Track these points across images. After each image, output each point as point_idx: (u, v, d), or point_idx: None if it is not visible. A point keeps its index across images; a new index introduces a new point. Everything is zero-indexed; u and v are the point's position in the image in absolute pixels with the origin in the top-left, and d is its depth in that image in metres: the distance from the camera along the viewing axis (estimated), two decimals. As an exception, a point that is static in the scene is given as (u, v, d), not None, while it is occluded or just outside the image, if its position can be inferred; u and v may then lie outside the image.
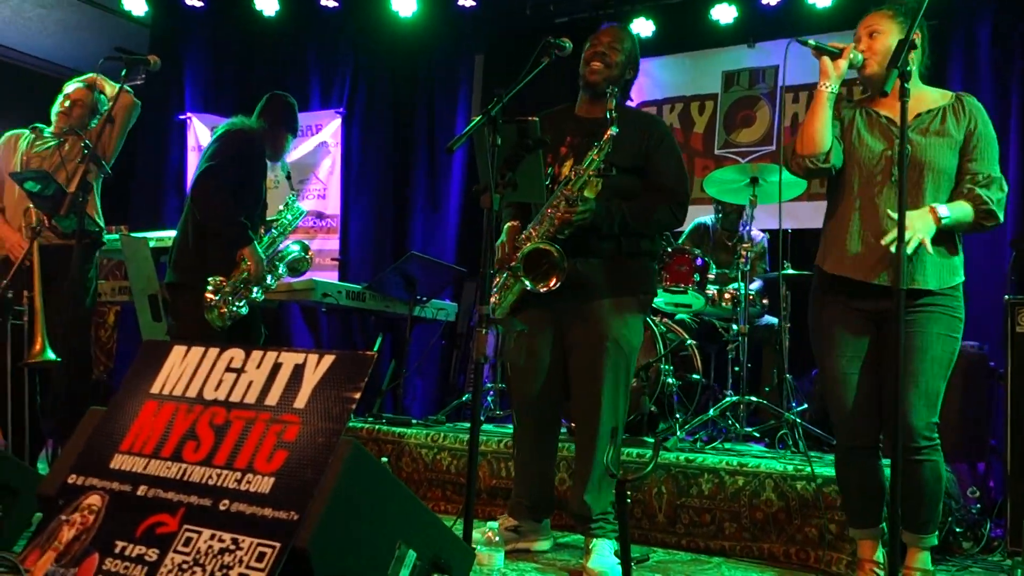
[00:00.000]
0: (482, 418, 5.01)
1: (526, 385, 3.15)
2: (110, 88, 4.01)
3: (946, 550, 3.63)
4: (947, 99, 2.68)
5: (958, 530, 3.73)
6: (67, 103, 4.09)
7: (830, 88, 2.64)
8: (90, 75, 4.13)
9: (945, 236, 2.60)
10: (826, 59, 2.64)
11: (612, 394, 2.99)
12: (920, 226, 2.47)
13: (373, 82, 6.98)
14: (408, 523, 2.00)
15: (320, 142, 6.82)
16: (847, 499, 2.85)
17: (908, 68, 2.26)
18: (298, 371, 2.03)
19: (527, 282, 2.90)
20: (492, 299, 2.97)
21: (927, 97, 2.69)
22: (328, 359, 2.02)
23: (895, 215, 2.34)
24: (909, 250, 2.39)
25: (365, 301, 5.17)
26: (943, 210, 2.53)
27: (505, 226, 3.15)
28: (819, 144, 2.63)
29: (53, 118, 4.11)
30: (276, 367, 2.06)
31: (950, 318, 2.61)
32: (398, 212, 6.84)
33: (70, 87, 4.14)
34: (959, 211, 2.57)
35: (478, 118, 2.50)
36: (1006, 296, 3.88)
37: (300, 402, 1.98)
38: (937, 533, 2.72)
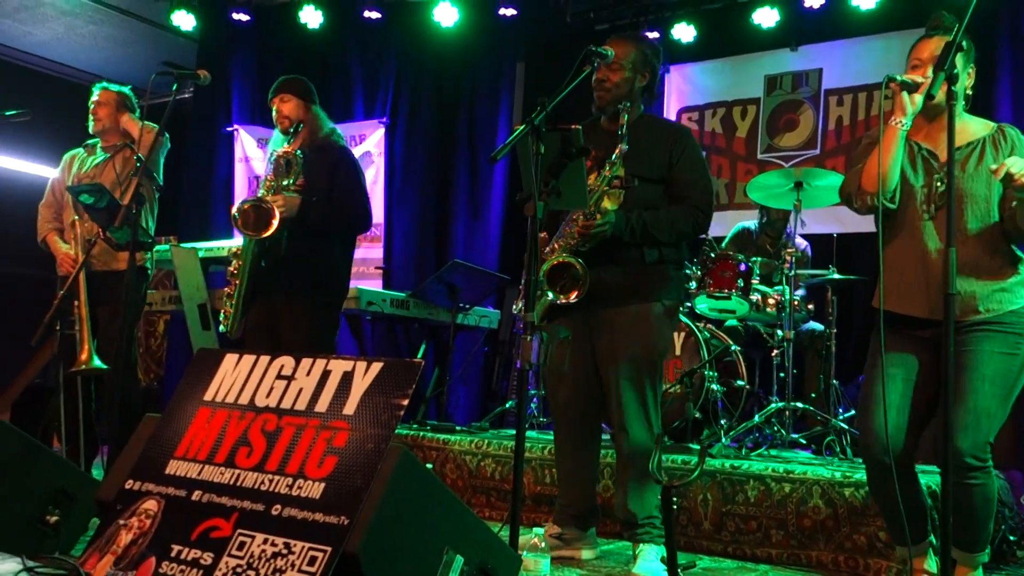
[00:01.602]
0: (526, 425, 5.06)
1: (561, 393, 3.21)
2: (135, 127, 4.12)
3: (999, 558, 3.56)
4: (989, 130, 2.64)
5: (1012, 538, 3.66)
6: (92, 106, 4.25)
7: (904, 124, 2.57)
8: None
9: (996, 259, 2.57)
10: (903, 94, 2.56)
11: (638, 401, 3.03)
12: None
13: (416, 92, 7.06)
14: (455, 529, 2.02)
15: (364, 152, 6.90)
16: (889, 518, 2.80)
17: (955, 71, 2.23)
18: (347, 378, 2.06)
19: (551, 294, 2.95)
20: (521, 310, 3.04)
21: (969, 128, 2.65)
22: (376, 366, 2.05)
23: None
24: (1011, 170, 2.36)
25: (409, 309, 5.22)
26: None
27: None
28: (889, 182, 2.57)
29: (89, 128, 4.26)
30: (325, 374, 2.10)
31: (1009, 336, 2.56)
32: (440, 220, 6.89)
33: (93, 95, 4.28)
34: None
35: (521, 127, 2.53)
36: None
37: (349, 409, 2.01)
38: (988, 550, 2.67)
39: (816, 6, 5.87)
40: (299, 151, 3.73)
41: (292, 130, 3.77)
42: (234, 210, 3.60)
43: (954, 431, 2.47)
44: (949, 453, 2.28)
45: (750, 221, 5.29)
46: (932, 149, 2.66)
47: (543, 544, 2.67)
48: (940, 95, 2.39)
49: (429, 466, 4.12)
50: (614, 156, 2.98)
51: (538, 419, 5.13)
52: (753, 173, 5.51)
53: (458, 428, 4.76)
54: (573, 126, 2.65)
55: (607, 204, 3.01)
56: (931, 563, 2.73)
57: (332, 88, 7.20)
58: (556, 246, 3.05)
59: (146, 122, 4.09)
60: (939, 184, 2.60)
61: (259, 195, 3.67)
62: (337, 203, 3.75)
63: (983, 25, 5.27)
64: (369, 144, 6.91)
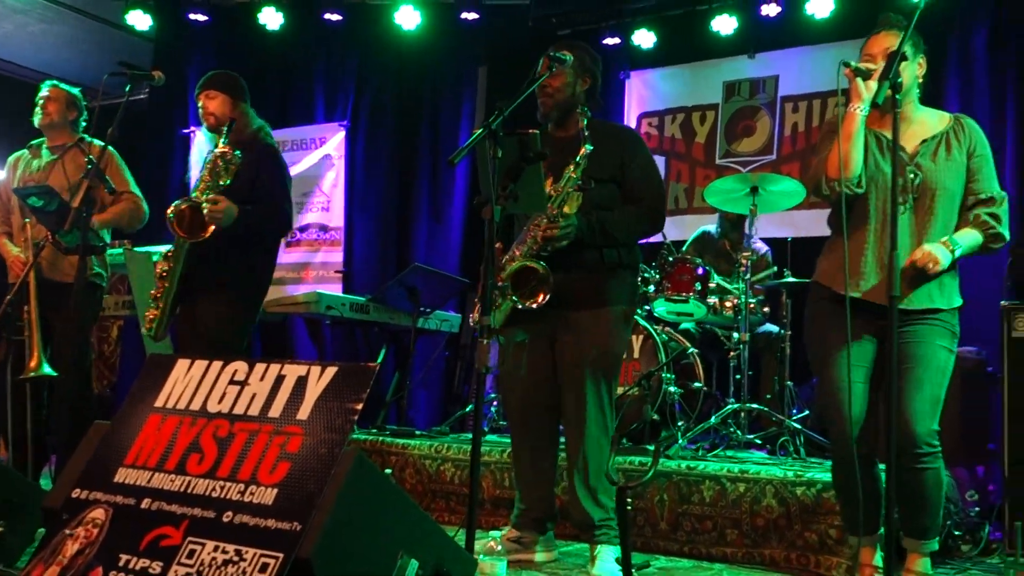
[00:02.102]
0: (485, 428, 5.07)
1: (517, 396, 3.22)
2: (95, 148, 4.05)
3: (945, 553, 3.64)
4: (947, 123, 2.74)
5: (957, 533, 3.74)
6: (40, 101, 4.18)
7: (862, 109, 2.63)
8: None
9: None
10: (859, 80, 2.63)
11: (596, 402, 3.06)
12: (939, 255, 2.59)
13: (377, 95, 7.03)
14: (410, 533, 2.02)
15: (324, 155, 6.87)
16: (844, 506, 2.87)
17: (899, 80, 2.29)
18: (301, 383, 2.06)
19: (516, 300, 2.95)
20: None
21: (929, 122, 2.75)
22: (331, 371, 2.05)
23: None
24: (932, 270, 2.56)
25: (369, 313, 5.21)
26: (956, 248, 2.63)
27: None
28: (854, 167, 2.63)
29: (36, 123, 4.18)
30: (279, 379, 2.09)
31: (950, 333, 2.70)
32: (401, 224, 6.88)
33: (42, 90, 4.22)
34: (970, 240, 2.66)
35: (479, 131, 2.54)
36: (1003, 302, 3.91)
37: (303, 414, 2.01)
38: (938, 539, 2.74)
39: (773, 15, 5.95)
40: (238, 151, 3.61)
41: (226, 128, 3.64)
42: (169, 211, 3.47)
43: (911, 418, 2.55)
44: (903, 439, 2.35)
45: (710, 225, 5.35)
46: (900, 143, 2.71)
47: (500, 547, 2.68)
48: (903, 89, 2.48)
49: (388, 471, 4.13)
50: (579, 157, 3.00)
51: (498, 422, 5.14)
52: (712, 178, 5.57)
53: (418, 432, 4.76)
54: (531, 131, 2.66)
55: (567, 208, 3.03)
56: (878, 558, 2.78)
57: (292, 90, 7.15)
58: (517, 252, 3.06)
59: (94, 140, 4.04)
60: (912, 176, 2.67)
61: (194, 196, 3.53)
62: (260, 207, 3.64)
63: (934, 23, 5.39)
64: (330, 147, 6.88)
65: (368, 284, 6.30)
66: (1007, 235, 2.70)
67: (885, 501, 2.62)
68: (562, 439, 3.35)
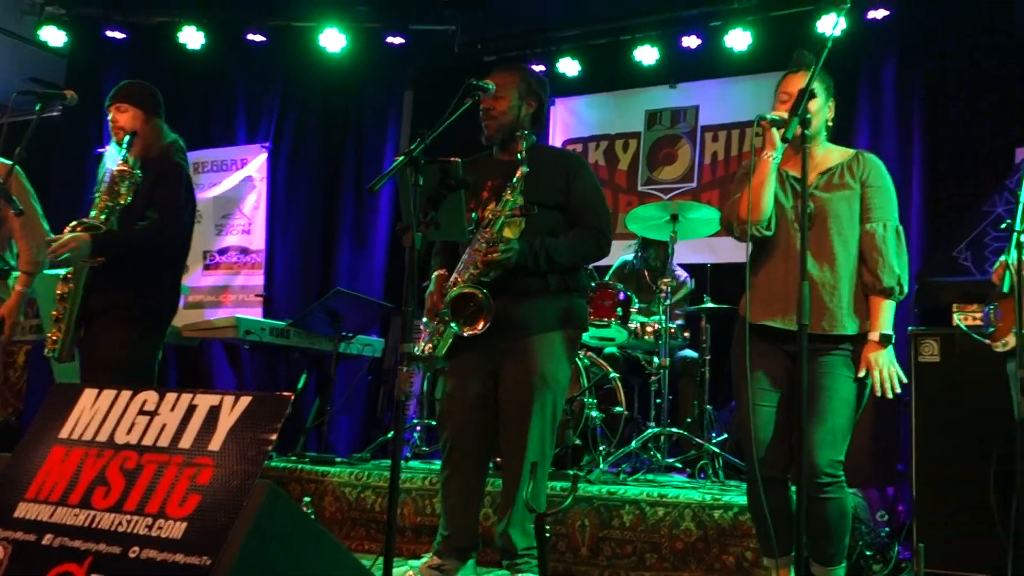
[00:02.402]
0: (408, 455, 5.03)
1: (456, 425, 3.15)
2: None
3: (856, 573, 3.74)
4: (848, 157, 2.84)
5: (868, 553, 3.84)
6: None
7: (774, 157, 2.73)
8: None
9: (858, 283, 2.74)
10: (773, 130, 2.72)
11: (539, 431, 3.03)
12: (886, 361, 2.70)
13: (301, 117, 6.97)
14: (325, 564, 1.99)
15: (245, 176, 6.76)
16: (759, 529, 2.93)
17: (808, 116, 2.37)
18: (213, 413, 2.01)
19: (455, 327, 2.92)
20: (426, 347, 3.00)
21: (831, 156, 2.85)
22: (244, 400, 2.01)
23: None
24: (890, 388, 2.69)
25: (289, 338, 5.13)
26: (884, 332, 2.72)
27: (433, 275, 3.20)
28: (764, 211, 2.74)
29: None
30: (191, 409, 2.04)
31: (855, 361, 2.74)
32: (325, 248, 6.80)
33: None
34: (889, 317, 2.75)
35: (400, 158, 2.53)
36: (909, 328, 4.06)
37: (215, 444, 1.96)
38: (845, 564, 2.80)
39: (693, 46, 6.11)
40: (139, 169, 3.46)
41: (126, 143, 3.48)
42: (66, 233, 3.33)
43: (813, 448, 2.61)
44: (805, 469, 2.41)
45: (628, 254, 5.43)
46: (796, 175, 2.81)
47: (418, 576, 2.65)
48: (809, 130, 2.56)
49: (307, 499, 4.06)
50: (515, 179, 2.99)
51: (420, 448, 5.11)
52: (634, 204, 5.67)
53: (338, 460, 4.69)
54: (452, 159, 2.67)
55: (508, 233, 3.01)
56: (792, 576, 2.84)
57: (213, 111, 7.04)
58: (459, 279, 3.01)
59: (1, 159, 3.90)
60: (809, 207, 2.75)
61: (91, 217, 3.39)
62: (150, 226, 3.45)
63: (844, 67, 5.61)
64: (251, 169, 6.78)
65: (289, 308, 6.21)
66: (906, 284, 2.77)
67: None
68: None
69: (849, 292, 2.73)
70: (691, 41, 6.09)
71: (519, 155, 3.02)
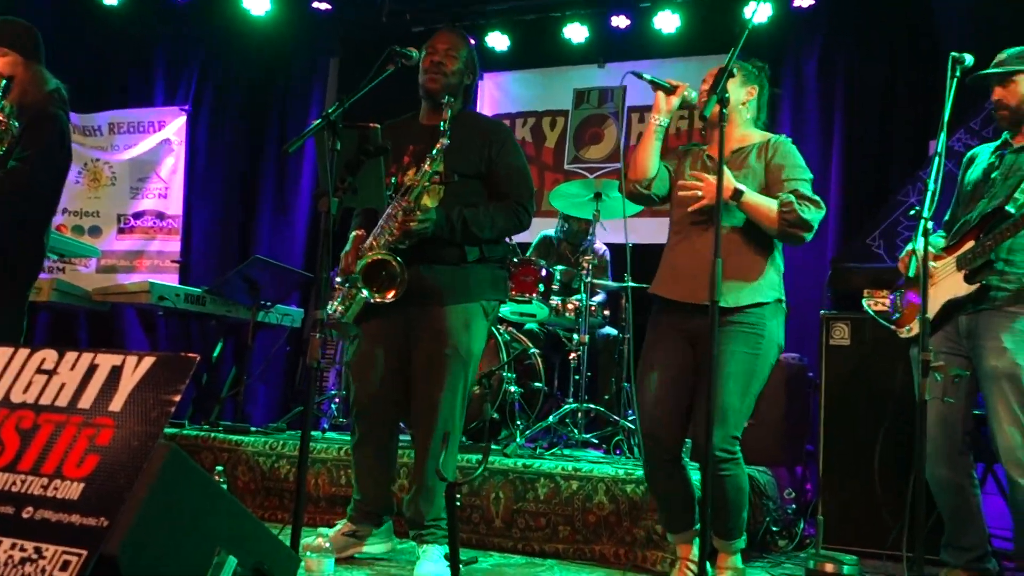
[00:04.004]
0: (325, 425, 4.98)
1: (365, 390, 3.13)
2: None
3: (763, 548, 3.85)
4: (761, 139, 2.92)
5: (775, 529, 3.97)
6: None
7: (659, 121, 2.84)
8: None
9: (747, 257, 2.79)
10: (660, 94, 2.82)
11: (450, 400, 3.02)
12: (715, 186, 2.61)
13: (223, 80, 6.80)
14: (229, 529, 1.96)
15: (163, 139, 6.57)
16: (658, 505, 2.99)
17: (726, 95, 2.41)
18: (115, 373, 1.95)
19: (367, 293, 2.89)
20: (338, 309, 2.96)
21: (749, 137, 2.93)
22: (148, 361, 1.96)
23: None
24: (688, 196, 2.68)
25: (205, 305, 5.02)
26: (743, 189, 2.72)
27: (351, 235, 3.14)
28: (645, 171, 2.88)
29: None
30: (92, 369, 1.98)
31: (749, 335, 2.77)
32: (245, 215, 6.67)
33: None
34: (761, 198, 2.75)
35: (317, 122, 2.49)
36: (822, 311, 4.17)
37: (116, 405, 1.90)
38: (744, 537, 2.88)
39: (622, 26, 6.15)
40: (15, 120, 3.25)
41: (1, 88, 3.26)
42: None
43: (707, 426, 2.66)
44: (701, 447, 2.46)
45: (550, 229, 5.45)
46: (712, 155, 2.88)
47: (328, 544, 2.64)
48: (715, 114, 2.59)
49: (220, 468, 3.98)
50: (435, 151, 2.95)
51: (338, 419, 5.06)
52: (560, 182, 5.69)
53: (253, 429, 4.62)
54: (372, 124, 2.63)
55: (427, 201, 2.98)
56: (694, 552, 2.91)
57: (129, 70, 6.81)
58: (375, 243, 2.98)
59: None
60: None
61: None
62: (3, 178, 3.23)
63: (770, 55, 5.70)
64: (169, 131, 6.58)
65: (207, 275, 6.08)
66: (809, 231, 2.78)
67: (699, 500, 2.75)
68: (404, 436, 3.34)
69: (740, 265, 2.77)
70: (620, 21, 6.12)
71: (443, 123, 2.99)
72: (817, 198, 2.81)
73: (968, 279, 3.04)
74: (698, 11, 5.96)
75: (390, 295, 2.88)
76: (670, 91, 2.80)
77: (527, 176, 3.22)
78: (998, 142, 3.25)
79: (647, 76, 2.80)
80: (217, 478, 3.90)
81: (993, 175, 3.14)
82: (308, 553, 2.56)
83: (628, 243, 5.19)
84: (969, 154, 3.38)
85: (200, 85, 6.76)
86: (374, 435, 3.18)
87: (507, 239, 3.44)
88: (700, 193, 2.70)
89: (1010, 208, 2.96)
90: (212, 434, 4.33)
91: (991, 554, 3.19)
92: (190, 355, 1.96)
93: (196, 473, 1.92)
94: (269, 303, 5.11)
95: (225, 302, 5.09)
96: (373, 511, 3.21)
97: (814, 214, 2.77)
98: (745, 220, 2.81)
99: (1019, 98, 3.10)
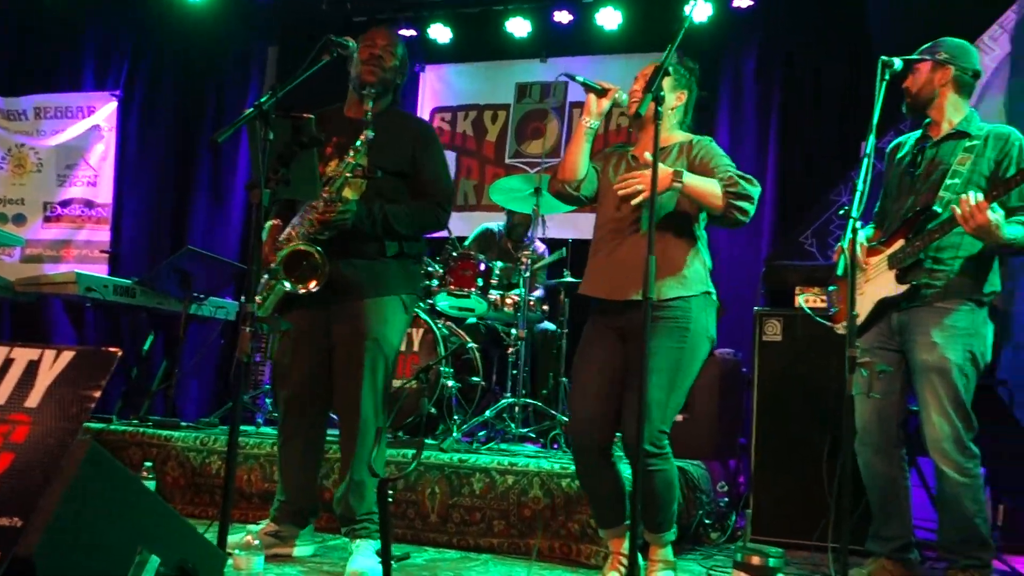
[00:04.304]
0: (260, 420, 4.90)
1: (289, 385, 3.13)
2: None
3: (696, 540, 3.90)
4: (684, 139, 2.95)
5: (708, 522, 4.02)
6: None
7: (589, 124, 2.84)
8: None
9: (671, 252, 2.81)
10: (591, 96, 2.83)
11: (371, 392, 3.02)
12: (660, 175, 2.60)
13: (156, 66, 6.63)
14: (151, 527, 1.91)
15: (92, 125, 6.39)
16: (590, 501, 3.00)
17: (661, 93, 2.42)
18: (32, 368, 1.89)
19: (288, 284, 2.87)
20: (256, 300, 2.92)
21: (671, 139, 2.95)
22: (67, 355, 1.90)
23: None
24: (625, 193, 2.66)
25: (135, 297, 4.90)
26: (685, 176, 2.70)
27: (267, 224, 3.11)
28: (574, 172, 2.87)
29: None
30: (7, 363, 1.91)
31: (675, 329, 2.79)
32: (178, 205, 6.53)
33: None
34: (702, 180, 2.75)
35: (249, 111, 2.44)
36: (755, 308, 4.24)
37: (32, 401, 1.85)
38: (675, 529, 2.90)
39: (565, 22, 6.15)
40: None
41: None
42: None
43: (635, 422, 2.67)
44: (630, 443, 2.48)
45: (494, 223, 5.44)
46: (637, 156, 2.93)
47: (256, 542, 2.59)
48: (649, 113, 2.62)
49: (148, 464, 3.89)
50: (358, 143, 2.95)
51: (272, 414, 4.98)
52: (501, 176, 5.68)
53: (184, 424, 4.52)
54: (305, 115, 2.58)
55: (348, 193, 2.98)
56: (626, 546, 2.93)
57: (57, 53, 6.60)
58: (293, 233, 2.97)
59: None
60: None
61: None
62: None
63: (709, 56, 5.78)
64: (99, 117, 6.40)
65: (138, 267, 5.94)
66: (752, 194, 2.81)
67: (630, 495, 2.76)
68: (332, 431, 3.30)
69: (664, 259, 2.77)
70: (563, 16, 6.13)
71: (367, 115, 2.98)
72: (751, 176, 2.85)
73: (899, 279, 3.11)
74: (640, 8, 5.99)
75: (311, 286, 2.87)
76: (601, 93, 2.82)
77: (448, 178, 3.28)
78: (919, 133, 3.33)
79: (579, 78, 2.82)
80: (145, 474, 3.82)
81: (916, 171, 3.22)
82: (236, 551, 2.52)
83: (570, 240, 5.25)
84: (895, 142, 3.45)
85: (132, 70, 6.58)
86: (300, 430, 3.17)
87: (428, 236, 3.45)
88: (640, 187, 2.65)
89: (937, 208, 3.04)
90: (141, 429, 4.23)
91: (914, 544, 3.28)
92: (112, 349, 1.90)
93: (117, 470, 1.87)
94: (202, 295, 5.01)
95: (156, 294, 4.98)
96: (298, 511, 3.19)
97: (754, 188, 2.82)
98: (669, 215, 2.83)
99: (919, 85, 3.20)
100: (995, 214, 2.83)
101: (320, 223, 2.91)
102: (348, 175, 2.95)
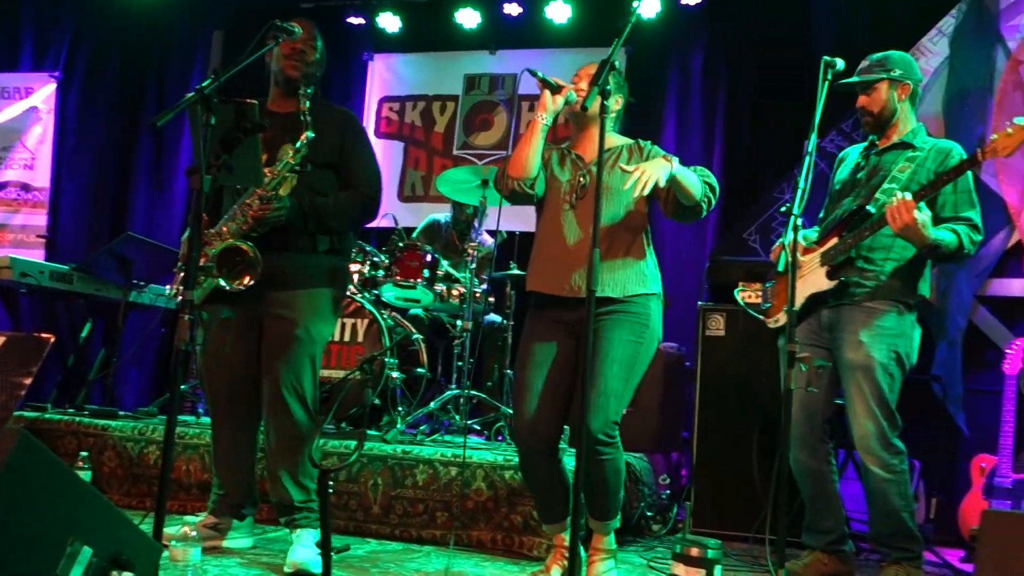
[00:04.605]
0: (201, 409, 4.83)
1: (221, 376, 3.11)
2: None
3: (637, 532, 3.95)
4: (627, 142, 2.96)
5: (649, 514, 4.07)
6: None
7: (544, 120, 2.81)
8: None
9: (630, 248, 2.83)
10: (547, 92, 2.80)
11: (300, 383, 3.01)
12: (654, 167, 2.62)
13: (98, 47, 6.46)
14: (84, 518, 1.87)
15: (30, 107, 6.22)
16: (535, 497, 3.00)
17: (608, 87, 2.43)
18: (-41, 354, 1.84)
19: (222, 281, 2.85)
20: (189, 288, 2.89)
21: (613, 141, 2.95)
22: (-4, 341, 1.85)
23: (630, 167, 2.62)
24: (642, 186, 2.57)
25: (73, 283, 4.79)
26: (676, 163, 2.70)
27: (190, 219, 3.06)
28: (527, 169, 2.82)
29: None
30: (-67, 349, 1.85)
31: (635, 324, 2.81)
32: (119, 190, 6.38)
33: None
34: (689, 172, 2.78)
35: (190, 95, 2.39)
36: (699, 303, 4.29)
37: (-41, 388, 1.79)
38: (619, 517, 2.93)
39: (515, 14, 6.15)
40: None
41: None
42: None
43: (588, 413, 2.69)
44: (583, 434, 2.49)
45: (441, 215, 5.42)
46: (580, 154, 2.93)
47: (194, 533, 2.55)
48: (593, 108, 2.62)
49: (84, 454, 3.81)
50: (300, 144, 2.94)
51: (212, 405, 4.91)
52: (448, 168, 5.65)
53: (121, 413, 4.43)
54: (249, 100, 2.54)
55: (282, 190, 2.97)
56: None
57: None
58: (224, 228, 2.95)
59: None
60: (582, 179, 2.87)
61: None
62: None
63: (657, 52, 5.83)
64: (37, 99, 6.24)
65: (76, 252, 5.80)
66: (716, 187, 2.86)
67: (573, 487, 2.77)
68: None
69: (626, 256, 2.81)
70: (512, 8, 6.12)
71: (303, 116, 2.95)
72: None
73: (829, 275, 3.18)
74: (590, 3, 6.00)
75: (246, 281, 2.86)
76: (556, 90, 2.80)
77: (376, 168, 3.25)
78: (866, 143, 3.40)
79: (539, 74, 2.80)
80: (81, 464, 3.73)
81: (859, 175, 3.29)
82: (173, 543, 2.48)
83: (517, 232, 5.26)
84: (840, 154, 3.53)
85: (72, 50, 6.41)
86: (231, 424, 3.15)
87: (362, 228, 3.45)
88: (653, 176, 2.59)
89: (871, 208, 3.11)
90: (77, 418, 4.14)
91: (848, 536, 3.36)
92: (44, 335, 1.86)
93: (49, 459, 1.82)
94: (142, 283, 4.92)
95: (95, 280, 4.87)
96: (235, 504, 3.16)
97: (715, 182, 2.89)
98: (631, 213, 2.84)
99: (881, 105, 3.26)
100: (922, 214, 2.90)
101: (254, 220, 2.90)
102: (287, 174, 2.94)
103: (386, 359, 4.33)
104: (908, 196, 2.91)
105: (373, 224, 4.83)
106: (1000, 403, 4.12)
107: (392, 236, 4.68)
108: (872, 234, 3.09)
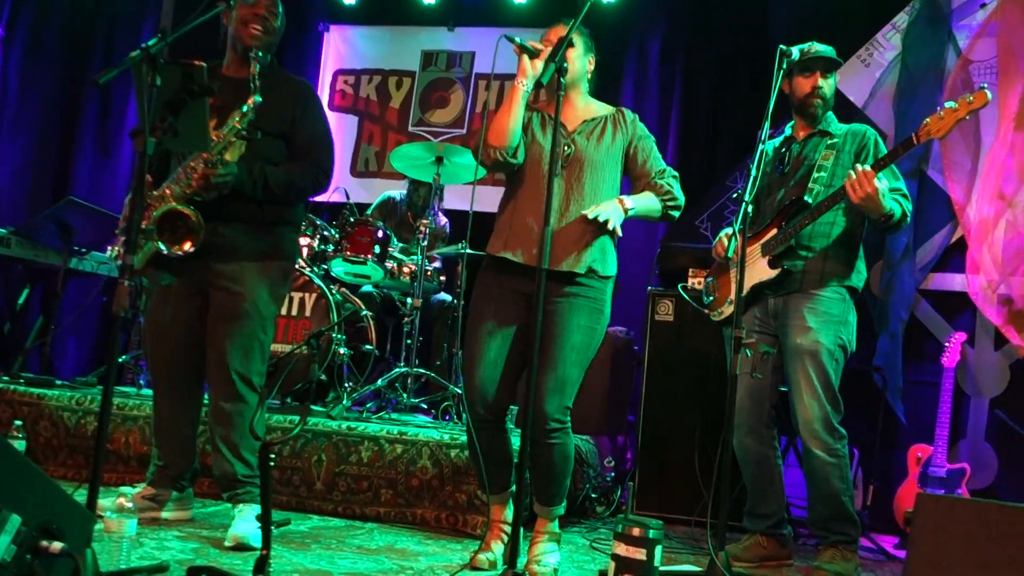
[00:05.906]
0: (142, 381, 4.72)
1: (162, 346, 3.05)
2: None
3: (582, 514, 3.97)
4: (609, 111, 2.94)
5: (594, 496, 4.09)
6: None
7: (525, 86, 2.75)
8: None
9: (603, 227, 2.77)
10: (525, 58, 2.75)
11: (244, 356, 2.96)
12: (611, 210, 2.71)
13: (41, 6, 6.24)
14: (12, 488, 1.82)
15: (-31, 64, 6.01)
16: (477, 467, 2.99)
17: (564, 64, 2.41)
18: None
19: (162, 245, 2.78)
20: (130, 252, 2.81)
21: (592, 108, 2.94)
22: (-77, 301, 1.77)
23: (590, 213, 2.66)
24: (603, 221, 2.67)
25: (11, 248, 4.65)
26: (629, 202, 2.77)
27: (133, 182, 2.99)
28: (509, 137, 2.75)
29: None
30: None
31: (593, 311, 2.80)
32: (62, 154, 6.19)
33: None
34: (646, 201, 2.82)
35: (134, 53, 2.31)
36: (649, 287, 4.32)
37: None
38: (565, 503, 2.92)
39: (474, -10, 6.08)
40: None
41: None
42: None
43: (543, 395, 2.68)
44: (534, 415, 2.48)
45: (396, 191, 5.36)
46: (563, 122, 2.85)
47: (130, 504, 2.50)
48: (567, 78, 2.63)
49: (18, 423, 3.71)
50: (246, 107, 2.86)
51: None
52: (403, 144, 5.59)
53: (59, 382, 4.32)
54: (197, 63, 2.47)
55: (228, 155, 2.89)
56: (508, 512, 2.94)
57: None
58: (167, 191, 2.87)
59: None
60: (567, 149, 2.83)
61: None
62: None
63: (615, 34, 5.81)
64: (-24, 56, 6.03)
65: (15, 216, 5.61)
66: (682, 199, 2.90)
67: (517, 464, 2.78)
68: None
69: (594, 234, 2.79)
70: (472, -16, 6.06)
71: (252, 80, 2.88)
72: (675, 172, 2.93)
73: (772, 264, 3.24)
74: (550, -18, 5.97)
75: (186, 247, 2.79)
76: (534, 54, 2.73)
77: (329, 139, 3.19)
78: (781, 138, 3.46)
79: (518, 39, 2.76)
80: (15, 433, 3.64)
81: (785, 168, 3.36)
82: (108, 513, 2.42)
83: (471, 210, 5.21)
84: (760, 148, 3.56)
85: (16, 6, 6.17)
86: (172, 395, 3.09)
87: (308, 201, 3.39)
88: (616, 222, 2.73)
89: (808, 199, 3.19)
90: (12, 386, 4.04)
91: (788, 521, 3.41)
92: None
93: (-25, 426, 1.76)
94: (84, 249, 4.79)
95: (34, 245, 4.74)
96: (174, 475, 3.12)
97: (679, 190, 2.90)
98: (605, 186, 2.83)
99: (832, 91, 3.36)
100: (881, 183, 2.98)
101: (199, 184, 2.82)
102: (232, 138, 2.86)
103: (334, 335, 4.27)
104: (868, 167, 2.98)
105: (324, 198, 4.79)
106: (938, 395, 4.22)
107: (343, 211, 4.61)
108: (811, 223, 3.16)
